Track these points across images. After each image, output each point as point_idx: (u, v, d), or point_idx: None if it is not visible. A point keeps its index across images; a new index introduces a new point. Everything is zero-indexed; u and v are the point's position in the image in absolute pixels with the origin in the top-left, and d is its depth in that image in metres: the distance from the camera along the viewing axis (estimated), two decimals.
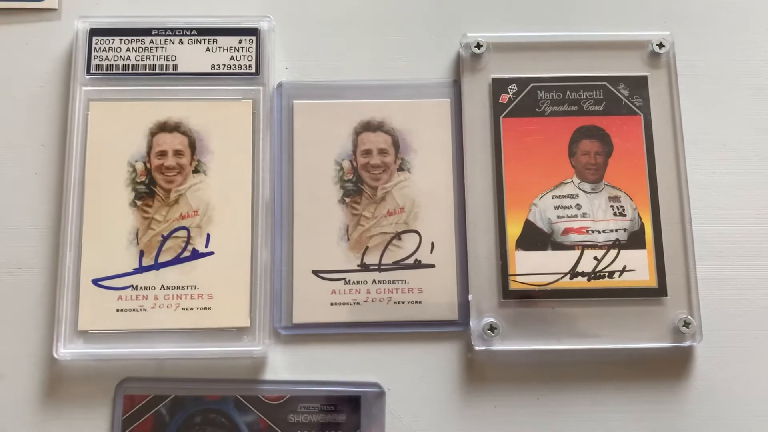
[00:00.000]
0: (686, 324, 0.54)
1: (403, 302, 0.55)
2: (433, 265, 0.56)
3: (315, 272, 0.55)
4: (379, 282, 0.55)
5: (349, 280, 0.55)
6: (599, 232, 0.56)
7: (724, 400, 0.55)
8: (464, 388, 0.55)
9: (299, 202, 0.56)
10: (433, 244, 0.56)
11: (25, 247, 0.56)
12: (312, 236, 0.56)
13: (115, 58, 0.58)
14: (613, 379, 0.55)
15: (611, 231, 0.56)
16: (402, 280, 0.55)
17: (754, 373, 0.55)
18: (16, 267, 0.56)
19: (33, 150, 0.57)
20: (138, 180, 0.56)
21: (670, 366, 0.55)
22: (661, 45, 0.58)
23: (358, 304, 0.55)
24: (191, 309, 0.54)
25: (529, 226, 0.56)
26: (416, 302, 0.55)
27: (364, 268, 0.56)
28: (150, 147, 0.56)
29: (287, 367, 0.55)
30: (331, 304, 0.55)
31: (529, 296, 0.55)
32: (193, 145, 0.57)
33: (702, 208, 0.57)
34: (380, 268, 0.56)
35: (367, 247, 0.56)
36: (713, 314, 0.56)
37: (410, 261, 0.56)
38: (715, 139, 0.59)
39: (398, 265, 0.56)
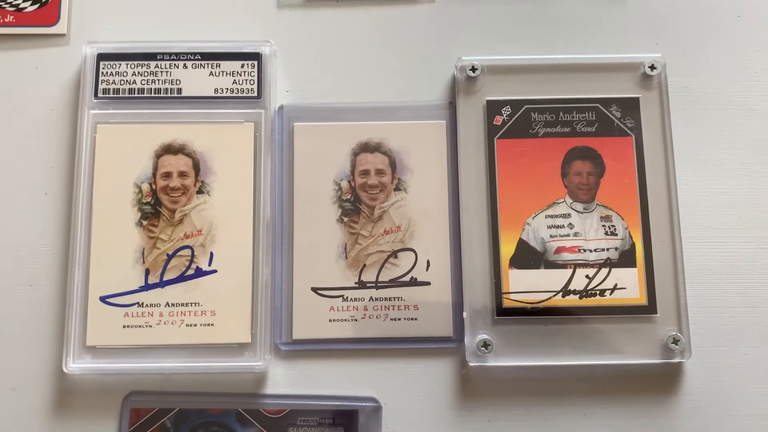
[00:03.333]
0: (675, 341, 0.55)
1: (399, 319, 0.57)
2: (428, 283, 0.57)
3: (314, 289, 0.57)
4: (376, 299, 0.57)
5: (347, 298, 0.57)
6: (591, 251, 0.57)
7: (713, 416, 0.56)
8: (459, 402, 0.56)
9: (299, 222, 0.58)
10: (428, 262, 0.58)
11: (36, 265, 0.58)
12: (311, 254, 0.57)
13: (122, 82, 0.59)
14: (604, 395, 0.56)
15: (603, 250, 0.57)
16: (398, 298, 0.57)
17: (743, 389, 0.56)
18: (27, 284, 0.58)
19: (43, 171, 0.59)
20: (144, 201, 0.58)
21: (659, 382, 0.56)
22: (652, 67, 0.59)
23: (356, 320, 0.57)
24: (195, 325, 0.56)
25: (522, 245, 0.57)
26: (412, 319, 0.57)
27: (362, 285, 0.57)
28: (155, 168, 0.58)
29: (287, 381, 0.57)
30: (330, 320, 0.57)
31: (522, 314, 0.56)
32: (197, 167, 0.58)
33: (692, 227, 0.58)
34: (377, 285, 0.57)
35: (364, 265, 0.58)
36: (702, 331, 0.57)
37: (406, 279, 0.57)
38: (706, 159, 0.60)
39: (395, 283, 0.57)
